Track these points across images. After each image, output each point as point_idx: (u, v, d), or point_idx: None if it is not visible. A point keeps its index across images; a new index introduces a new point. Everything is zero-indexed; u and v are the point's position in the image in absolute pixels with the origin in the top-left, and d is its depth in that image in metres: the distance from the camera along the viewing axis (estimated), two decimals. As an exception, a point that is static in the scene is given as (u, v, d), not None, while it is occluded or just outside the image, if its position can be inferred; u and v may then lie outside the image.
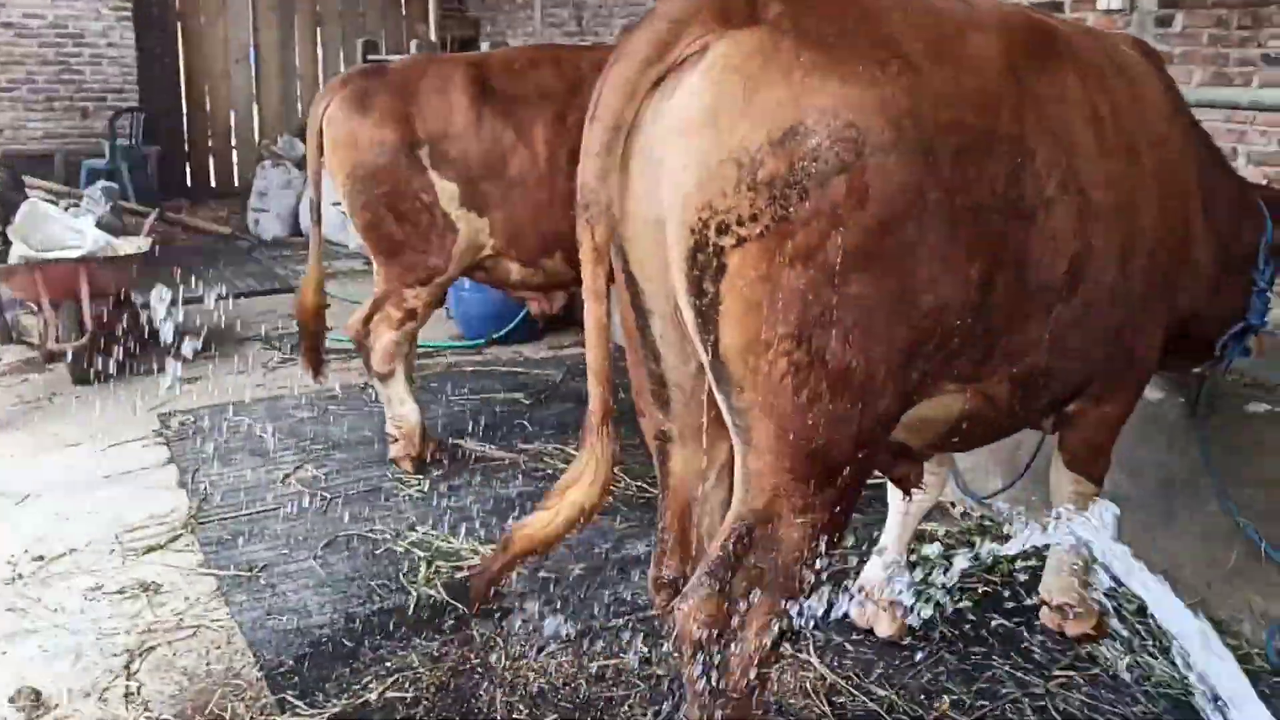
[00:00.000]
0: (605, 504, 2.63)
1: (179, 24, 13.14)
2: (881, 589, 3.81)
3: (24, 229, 6.37)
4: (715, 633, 2.48)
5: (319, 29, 13.95)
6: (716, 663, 2.51)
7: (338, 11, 14.04)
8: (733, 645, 2.49)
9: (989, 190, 2.38)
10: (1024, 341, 2.70)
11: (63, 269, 6.19)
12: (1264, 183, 5.94)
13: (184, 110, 13.36)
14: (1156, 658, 3.68)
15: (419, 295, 4.95)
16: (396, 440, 5.19)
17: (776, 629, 2.49)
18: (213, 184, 13.60)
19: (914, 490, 3.65)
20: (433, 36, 10.45)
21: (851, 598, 3.87)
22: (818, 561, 2.47)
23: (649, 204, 2.34)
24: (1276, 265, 3.81)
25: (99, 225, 7.78)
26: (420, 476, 5.11)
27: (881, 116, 2.15)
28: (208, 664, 3.65)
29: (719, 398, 2.41)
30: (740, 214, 2.16)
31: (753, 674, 2.53)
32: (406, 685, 3.52)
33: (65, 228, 6.44)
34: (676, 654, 2.58)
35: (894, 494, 3.80)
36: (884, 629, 3.81)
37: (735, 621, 2.48)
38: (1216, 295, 3.68)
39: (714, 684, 2.52)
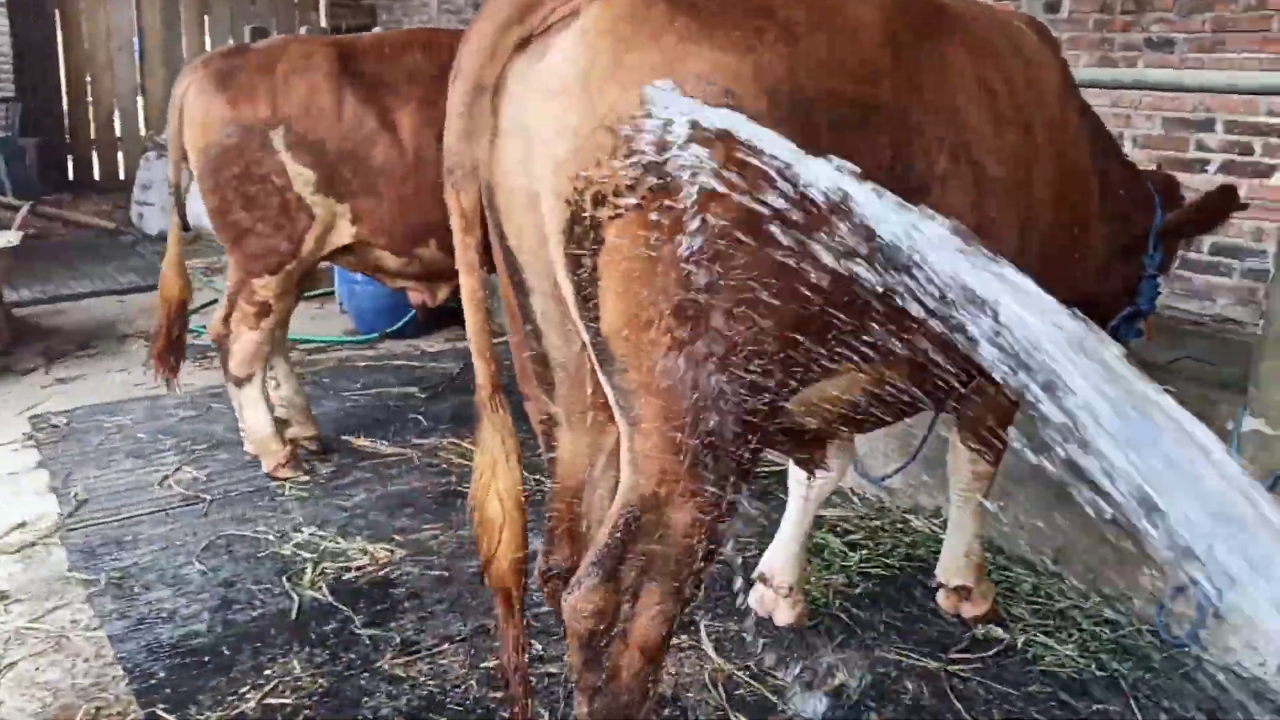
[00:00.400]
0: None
1: (57, 11, 12.57)
2: (781, 576, 3.76)
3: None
4: (604, 624, 2.39)
5: (206, 16, 13.48)
6: (606, 655, 2.43)
7: (226, -2, 13.60)
8: (623, 636, 2.40)
9: (874, 162, 2.31)
10: (923, 320, 2.64)
11: (-77, 265, 5.84)
12: (1152, 166, 6.06)
13: (64, 101, 12.81)
14: (1052, 633, 3.70)
15: (268, 285, 4.72)
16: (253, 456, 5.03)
17: (668, 617, 2.40)
18: (97, 177, 13.07)
19: (817, 475, 3.61)
20: (324, 23, 10.12)
21: (752, 586, 3.85)
22: (709, 546, 2.39)
23: (522, 174, 2.25)
24: (1165, 251, 3.85)
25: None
26: (308, 476, 4.93)
27: (756, 84, 2.08)
28: (73, 678, 3.44)
29: (603, 378, 2.32)
30: (616, 184, 2.07)
31: (644, 666, 2.45)
32: (286, 692, 3.36)
33: (-75, 221, 6.08)
34: (567, 646, 2.49)
35: (794, 480, 3.76)
36: (783, 617, 3.76)
37: (625, 611, 2.39)
38: (1108, 280, 3.70)
39: (604, 677, 2.44)
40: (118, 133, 13.19)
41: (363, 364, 6.66)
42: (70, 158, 12.93)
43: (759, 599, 3.81)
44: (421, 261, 4.77)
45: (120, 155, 13.14)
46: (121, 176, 12.91)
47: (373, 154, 4.57)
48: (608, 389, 2.32)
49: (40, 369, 6.43)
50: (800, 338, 2.31)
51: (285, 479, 4.88)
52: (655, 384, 2.20)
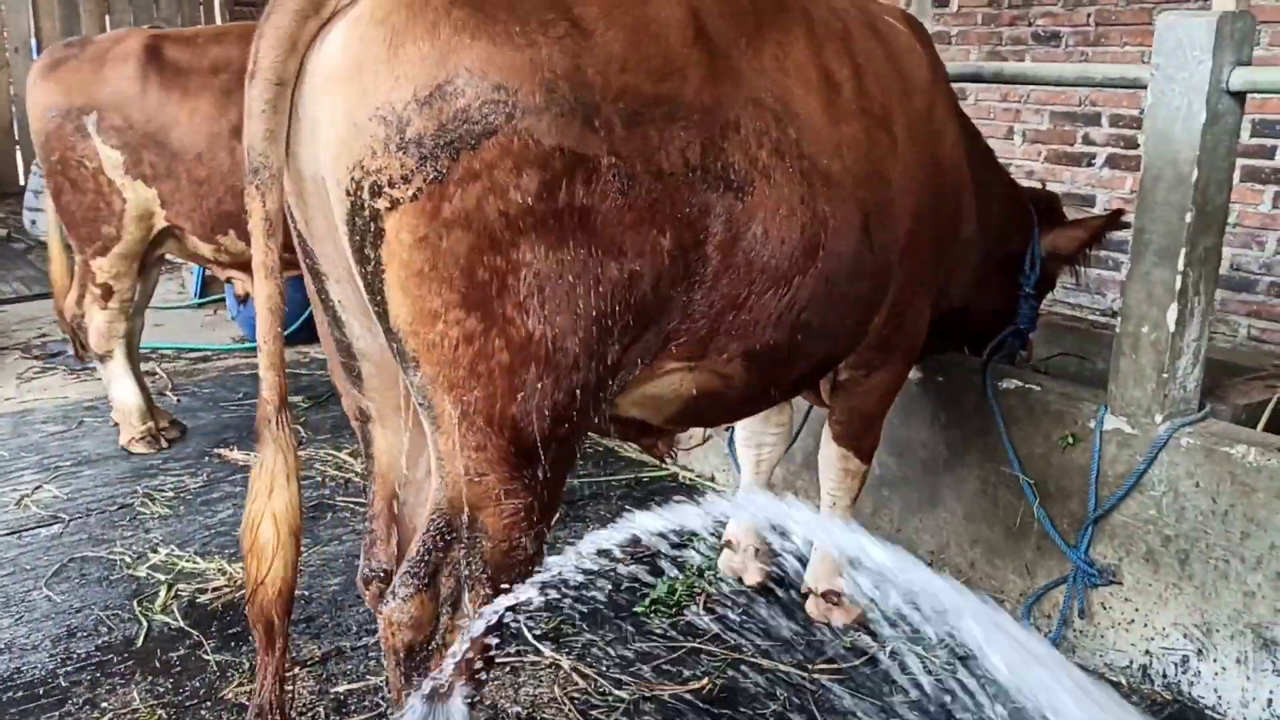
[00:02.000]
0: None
1: (-52, 11, 12.17)
2: (746, 539, 3.89)
3: None
4: (422, 636, 2.31)
5: (107, 17, 13.11)
6: (425, 670, 2.34)
7: (128, -3, 13.25)
8: (443, 649, 2.33)
9: (681, 159, 2.24)
10: (756, 317, 2.56)
11: None
12: (1039, 156, 6.07)
13: (-42, 105, 12.39)
14: (920, 644, 3.63)
15: (103, 267, 4.97)
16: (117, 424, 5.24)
17: (488, 626, 2.32)
18: (-5, 182, 12.67)
19: (768, 448, 3.88)
20: (219, 22, 9.86)
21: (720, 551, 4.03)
22: (530, 550, 2.33)
23: (309, 161, 2.19)
24: (1044, 271, 3.82)
25: None
26: (173, 491, 4.75)
27: (533, 79, 2.01)
28: (-106, 718, 3.24)
29: (402, 374, 2.25)
30: (391, 175, 2.02)
31: (466, 680, 2.37)
32: (120, 727, 3.20)
33: None
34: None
35: (744, 457, 3.91)
36: (752, 577, 3.90)
37: (444, 622, 2.32)
38: (983, 291, 3.68)
39: (425, 692, 2.34)
40: (16, 137, 12.79)
41: (248, 372, 6.44)
42: (-34, 163, 12.52)
43: (727, 562, 3.97)
44: (227, 251, 4.89)
45: (19, 159, 12.75)
46: (22, 182, 12.51)
47: (171, 138, 4.73)
48: (409, 385, 2.25)
49: (-94, 385, 6.16)
50: (608, 335, 2.24)
51: (139, 453, 5.13)
52: (449, 379, 2.14)
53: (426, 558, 2.26)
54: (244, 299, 5.31)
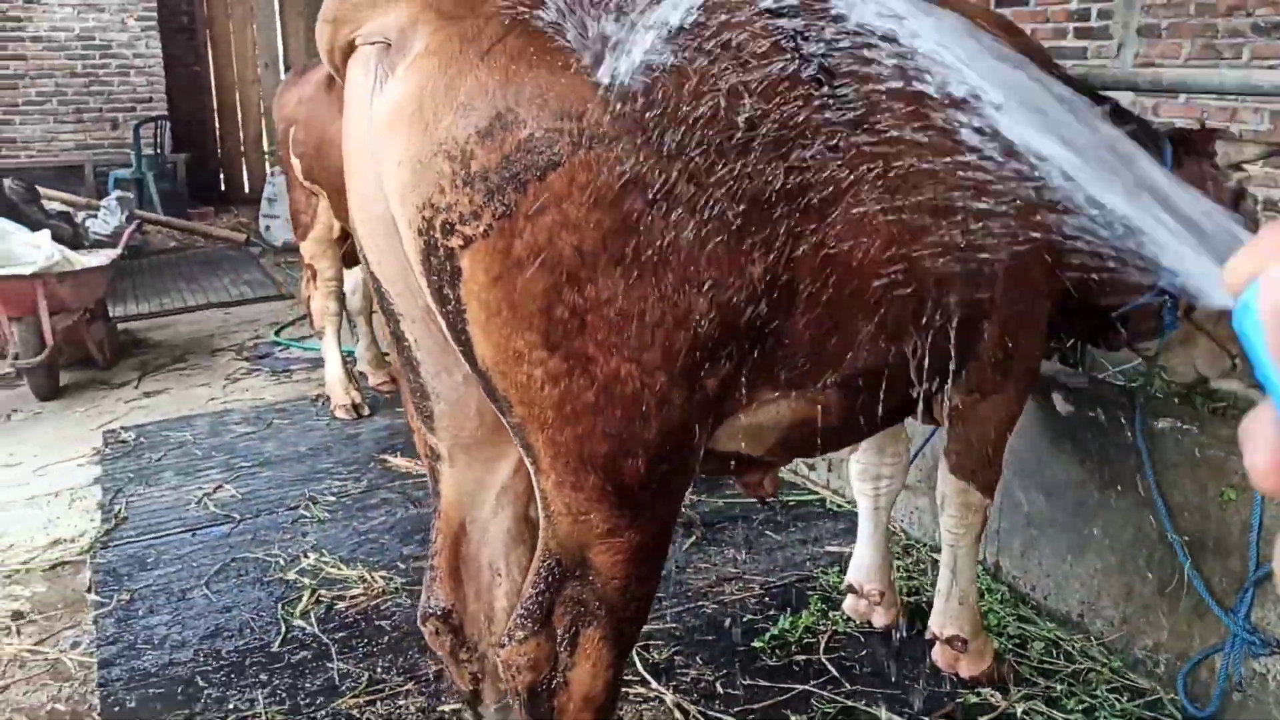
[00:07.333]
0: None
1: (206, 32, 13.25)
2: (870, 584, 3.71)
3: (-16, 246, 6.40)
4: (542, 676, 2.30)
5: (346, 31, 13.92)
6: (551, 709, 2.33)
7: (365, 13, 14.00)
8: (565, 687, 2.30)
9: (763, 181, 2.11)
10: (851, 340, 2.40)
11: (15, 285, 6.16)
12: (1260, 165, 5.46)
13: (214, 117, 13.48)
14: (1059, 700, 3.33)
15: (305, 249, 5.86)
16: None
17: (609, 664, 2.29)
18: (247, 190, 13.72)
19: (885, 480, 3.66)
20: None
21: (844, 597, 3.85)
22: (643, 585, 2.29)
23: (376, 200, 2.16)
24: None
25: (113, 234, 7.95)
26: (335, 495, 4.96)
27: (599, 103, 1.91)
28: (53, 704, 3.52)
29: (500, 415, 2.21)
30: (461, 212, 1.97)
31: (592, 717, 2.34)
32: (238, 729, 3.35)
33: (23, 244, 6.43)
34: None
35: (860, 487, 3.70)
36: (880, 619, 3.73)
37: (564, 660, 2.30)
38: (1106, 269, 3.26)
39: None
40: (265, 146, 13.80)
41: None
42: (221, 172, 13.60)
43: (853, 607, 3.81)
44: None
45: (268, 168, 13.74)
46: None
47: (325, 149, 5.35)
48: (506, 425, 2.22)
49: (132, 383, 6.72)
50: (702, 368, 2.13)
51: (341, 419, 5.95)
52: (540, 419, 2.09)
53: (540, 598, 2.25)
54: None
